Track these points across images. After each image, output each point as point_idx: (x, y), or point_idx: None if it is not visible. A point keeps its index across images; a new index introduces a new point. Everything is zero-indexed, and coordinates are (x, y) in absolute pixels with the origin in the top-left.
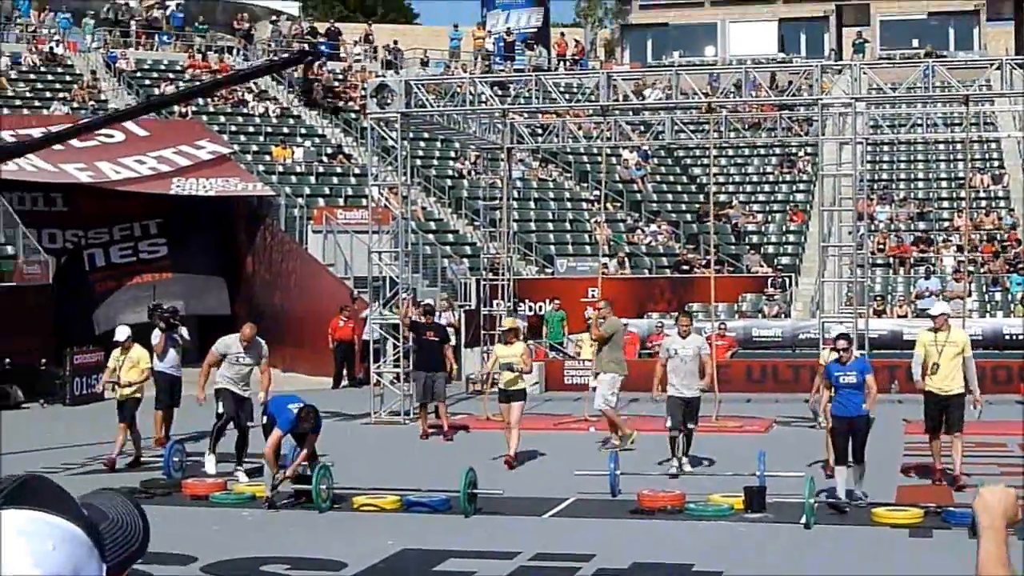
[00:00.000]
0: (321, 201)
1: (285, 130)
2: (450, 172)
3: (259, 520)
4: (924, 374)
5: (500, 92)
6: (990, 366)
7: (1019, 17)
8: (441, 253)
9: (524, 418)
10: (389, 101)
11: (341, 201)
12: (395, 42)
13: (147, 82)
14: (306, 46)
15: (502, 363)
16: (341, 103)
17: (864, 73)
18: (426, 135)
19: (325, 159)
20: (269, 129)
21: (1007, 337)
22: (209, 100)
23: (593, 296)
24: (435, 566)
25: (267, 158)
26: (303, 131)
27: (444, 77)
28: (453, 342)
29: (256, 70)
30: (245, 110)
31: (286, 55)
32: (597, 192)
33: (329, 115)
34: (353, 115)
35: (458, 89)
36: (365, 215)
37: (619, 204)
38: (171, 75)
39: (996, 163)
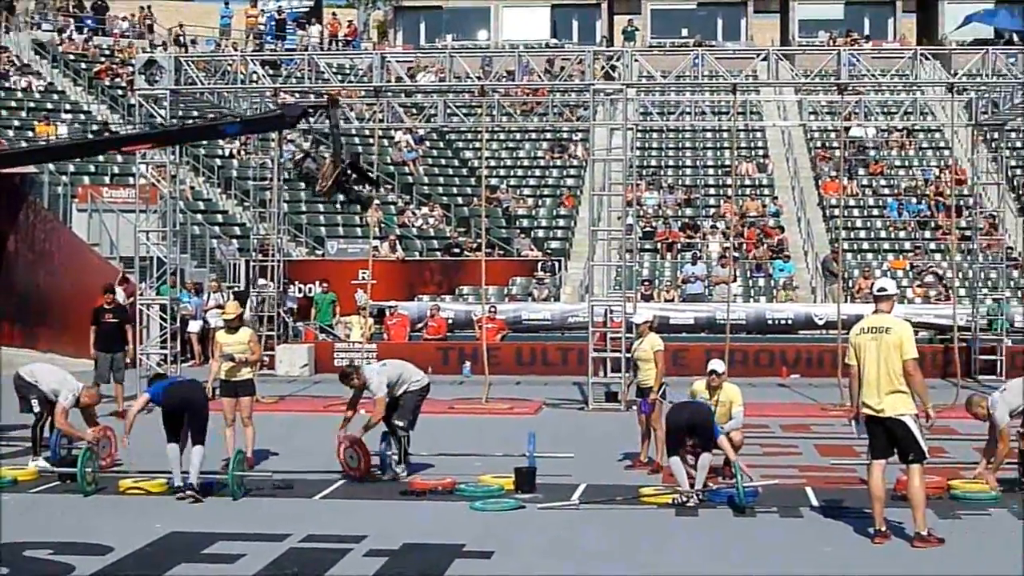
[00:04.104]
0: (86, 179)
1: (49, 106)
2: (219, 152)
3: (21, 504)
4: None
5: (271, 71)
6: (753, 350)
7: (784, 10)
8: (210, 234)
9: (293, 400)
10: (158, 78)
11: (107, 179)
12: (180, 24)
13: None
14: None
15: (224, 352)
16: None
17: (635, 60)
18: (195, 113)
19: (91, 136)
20: (32, 105)
21: (770, 322)
22: None
23: (364, 278)
24: (204, 549)
25: (30, 134)
26: (68, 107)
27: (215, 55)
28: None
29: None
30: (7, 84)
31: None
32: (369, 174)
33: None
34: (120, 91)
35: (229, 67)
36: (132, 194)
37: (391, 186)
38: None
39: (761, 152)
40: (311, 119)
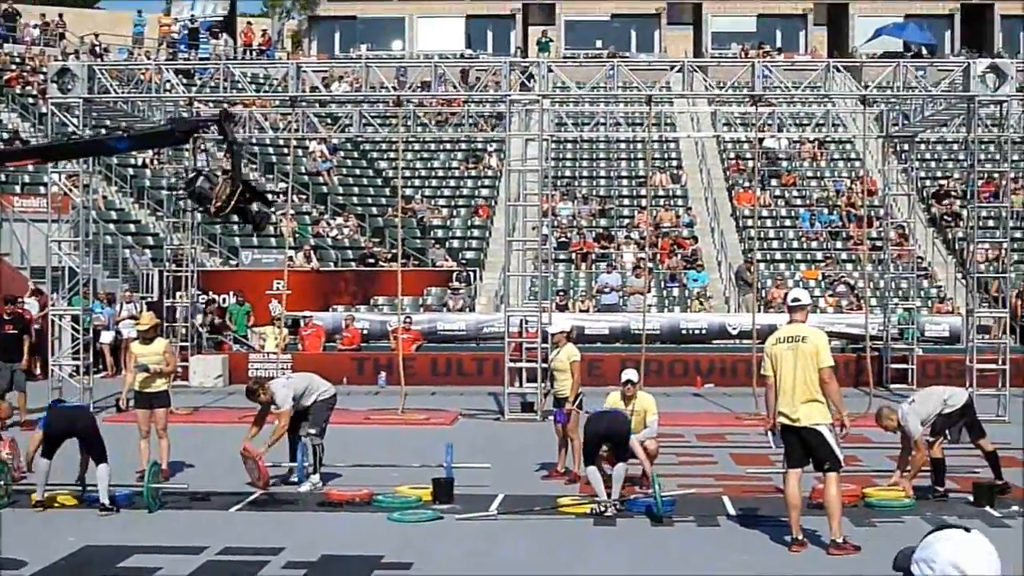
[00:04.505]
0: None
1: None
2: (132, 161)
3: None
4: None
5: (185, 80)
6: (668, 360)
7: (697, 22)
8: (123, 244)
9: (208, 412)
10: (71, 86)
11: (18, 188)
12: (96, 35)
13: None
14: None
15: (138, 363)
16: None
17: (550, 71)
18: (108, 122)
19: (0, 144)
20: None
21: (684, 331)
22: None
23: (278, 288)
24: (119, 562)
25: None
26: None
27: (129, 63)
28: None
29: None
30: None
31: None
32: (283, 184)
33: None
34: (31, 100)
35: (143, 76)
36: (44, 203)
37: (305, 196)
38: None
39: (675, 163)
40: (204, 134)
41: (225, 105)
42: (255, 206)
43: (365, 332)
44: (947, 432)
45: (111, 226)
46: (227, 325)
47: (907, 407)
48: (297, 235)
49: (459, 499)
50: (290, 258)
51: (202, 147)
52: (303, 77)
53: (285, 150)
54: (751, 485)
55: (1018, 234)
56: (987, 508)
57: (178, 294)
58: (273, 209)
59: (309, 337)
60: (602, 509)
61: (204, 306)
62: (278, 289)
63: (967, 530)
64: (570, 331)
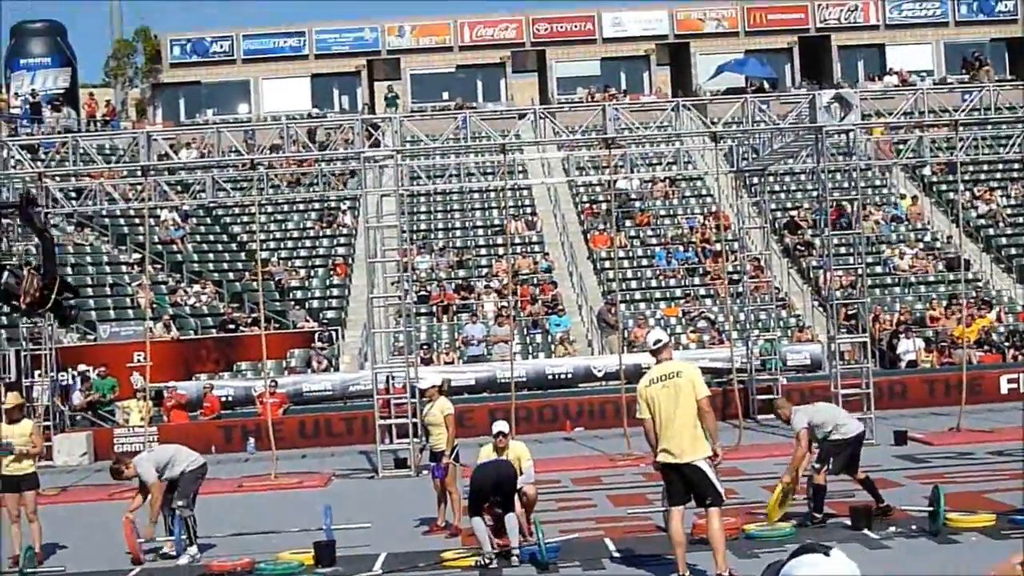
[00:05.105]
0: None
1: None
2: None
3: None
4: None
5: (31, 156)
6: (536, 406)
7: (541, 68)
8: None
9: (76, 491)
10: None
11: None
12: None
13: None
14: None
15: (3, 443)
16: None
17: (402, 125)
18: None
19: None
20: None
21: (550, 377)
22: None
23: (140, 361)
24: None
25: None
26: None
27: None
28: None
29: None
30: None
31: None
32: (137, 254)
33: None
34: None
35: None
36: None
37: (160, 266)
38: None
39: (529, 209)
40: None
41: (30, 188)
42: (67, 298)
43: (229, 399)
44: (831, 460)
45: None
46: (101, 401)
47: (801, 406)
48: (155, 305)
49: (342, 561)
50: (149, 329)
51: (53, 221)
52: (152, 145)
53: (137, 220)
54: (632, 525)
55: (870, 259)
56: (866, 531)
57: (36, 373)
58: (76, 297)
59: (173, 408)
60: (486, 561)
61: (81, 383)
62: (139, 361)
63: (827, 553)
64: (442, 384)
